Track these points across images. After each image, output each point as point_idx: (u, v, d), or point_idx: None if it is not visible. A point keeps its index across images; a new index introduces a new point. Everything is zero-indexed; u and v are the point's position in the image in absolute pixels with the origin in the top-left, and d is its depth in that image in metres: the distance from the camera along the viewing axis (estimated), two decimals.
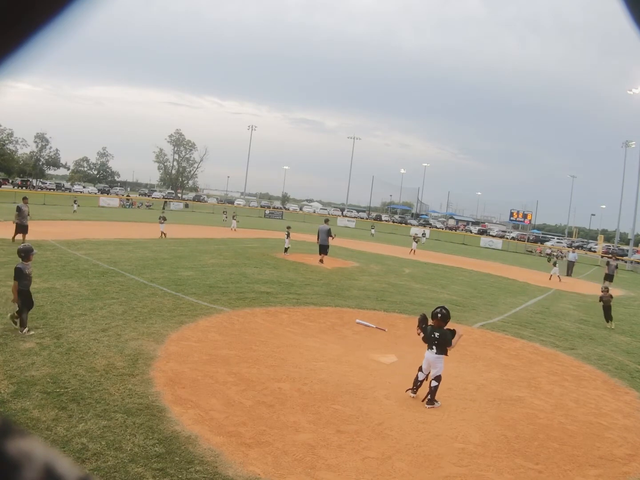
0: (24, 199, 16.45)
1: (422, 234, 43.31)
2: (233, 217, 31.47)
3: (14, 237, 15.36)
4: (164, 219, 21.90)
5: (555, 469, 4.84)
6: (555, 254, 25.58)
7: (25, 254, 7.40)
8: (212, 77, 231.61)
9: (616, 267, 24.74)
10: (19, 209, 15.53)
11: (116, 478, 3.81)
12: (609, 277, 23.91)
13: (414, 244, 28.35)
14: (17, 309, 7.25)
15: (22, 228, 15.38)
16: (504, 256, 38.35)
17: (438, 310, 6.22)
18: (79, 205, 32.97)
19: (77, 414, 4.73)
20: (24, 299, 7.29)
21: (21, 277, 7.22)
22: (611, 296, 13.13)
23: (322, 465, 4.39)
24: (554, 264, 23.98)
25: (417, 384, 6.25)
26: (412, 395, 6.21)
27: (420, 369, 6.27)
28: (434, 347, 6.09)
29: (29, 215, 15.87)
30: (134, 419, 4.79)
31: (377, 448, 4.82)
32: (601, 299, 13.23)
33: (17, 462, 0.31)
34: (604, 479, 4.79)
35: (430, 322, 6.24)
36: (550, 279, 23.28)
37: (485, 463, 4.77)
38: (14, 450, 0.31)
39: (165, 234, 21.46)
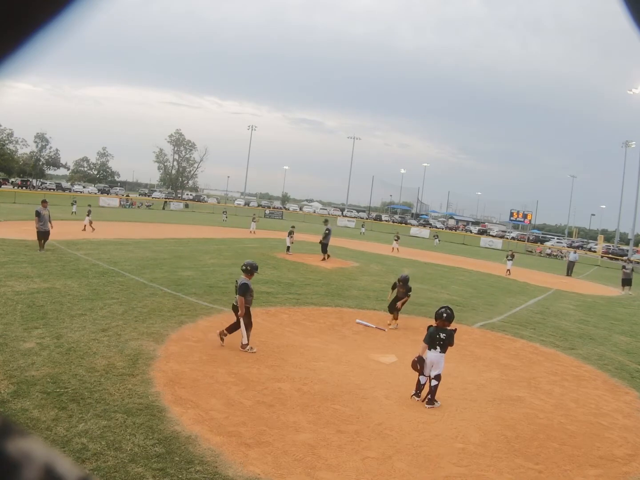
0: (43, 202, 14.98)
1: (435, 236, 43.94)
2: (253, 219, 31.04)
3: (40, 244, 14.26)
4: (89, 212, 21.85)
5: (555, 469, 4.84)
6: (512, 251, 26.41)
7: (251, 268, 7.26)
8: (212, 77, 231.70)
9: (632, 270, 22.88)
10: (38, 214, 14.40)
11: (116, 478, 3.81)
12: (627, 282, 22.33)
13: (395, 242, 28.32)
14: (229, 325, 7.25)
15: (43, 234, 14.33)
16: (504, 256, 38.23)
17: (443, 310, 6.22)
18: (78, 206, 32.64)
19: (77, 414, 4.72)
20: (248, 316, 7.20)
21: (247, 293, 7.12)
22: (406, 288, 10.02)
23: (322, 465, 4.39)
24: (507, 258, 24.40)
25: (420, 388, 6.24)
26: (417, 399, 6.19)
27: (420, 373, 6.26)
28: (437, 347, 6.09)
29: (50, 219, 14.72)
30: (134, 419, 4.78)
31: (377, 448, 4.82)
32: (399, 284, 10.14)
33: (17, 462, 0.31)
34: (604, 479, 4.79)
35: (434, 323, 6.26)
36: (507, 272, 23.66)
37: (485, 463, 4.77)
38: (14, 450, 0.31)
39: (87, 227, 21.16)
